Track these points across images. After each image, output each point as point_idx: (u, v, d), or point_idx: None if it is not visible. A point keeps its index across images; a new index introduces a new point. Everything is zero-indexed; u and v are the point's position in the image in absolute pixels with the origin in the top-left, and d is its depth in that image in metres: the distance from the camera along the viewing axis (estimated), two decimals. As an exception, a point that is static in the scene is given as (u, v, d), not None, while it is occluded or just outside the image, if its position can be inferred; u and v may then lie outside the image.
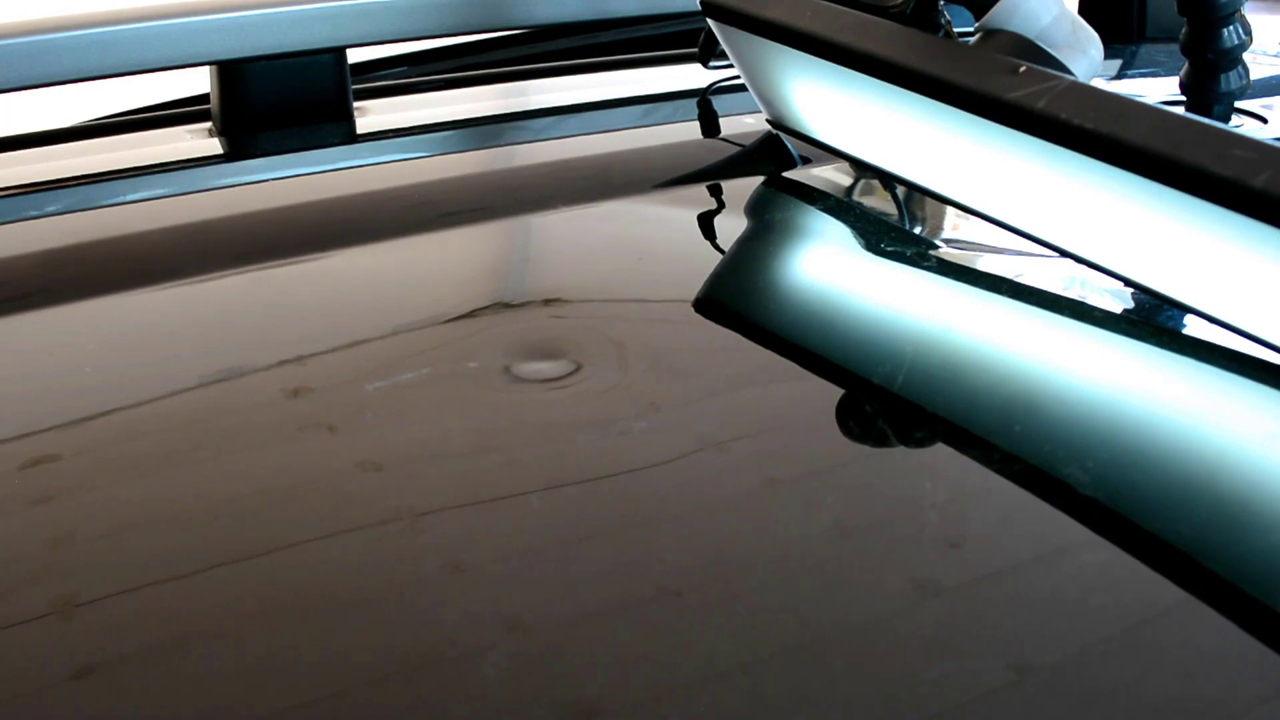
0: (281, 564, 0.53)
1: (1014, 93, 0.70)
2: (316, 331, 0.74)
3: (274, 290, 0.82)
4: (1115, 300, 0.75)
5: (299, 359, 0.70)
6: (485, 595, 0.50)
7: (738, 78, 1.10)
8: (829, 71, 0.83)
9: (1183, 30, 0.85)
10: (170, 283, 0.82)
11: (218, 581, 0.50)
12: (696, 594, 0.50)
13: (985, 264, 0.83)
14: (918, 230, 0.92)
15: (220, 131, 1.11)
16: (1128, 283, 0.73)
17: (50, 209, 0.95)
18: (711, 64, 1.14)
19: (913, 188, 0.86)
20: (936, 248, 0.88)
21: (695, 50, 1.15)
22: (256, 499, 0.57)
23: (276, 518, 0.56)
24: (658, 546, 0.54)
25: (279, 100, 1.12)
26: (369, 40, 1.16)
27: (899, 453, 0.64)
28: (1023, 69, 0.71)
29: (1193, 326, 0.71)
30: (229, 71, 1.11)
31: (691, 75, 1.18)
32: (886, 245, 0.86)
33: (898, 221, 0.92)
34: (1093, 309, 0.75)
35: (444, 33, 1.18)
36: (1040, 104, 0.68)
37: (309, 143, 1.08)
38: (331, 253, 0.87)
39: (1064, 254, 0.75)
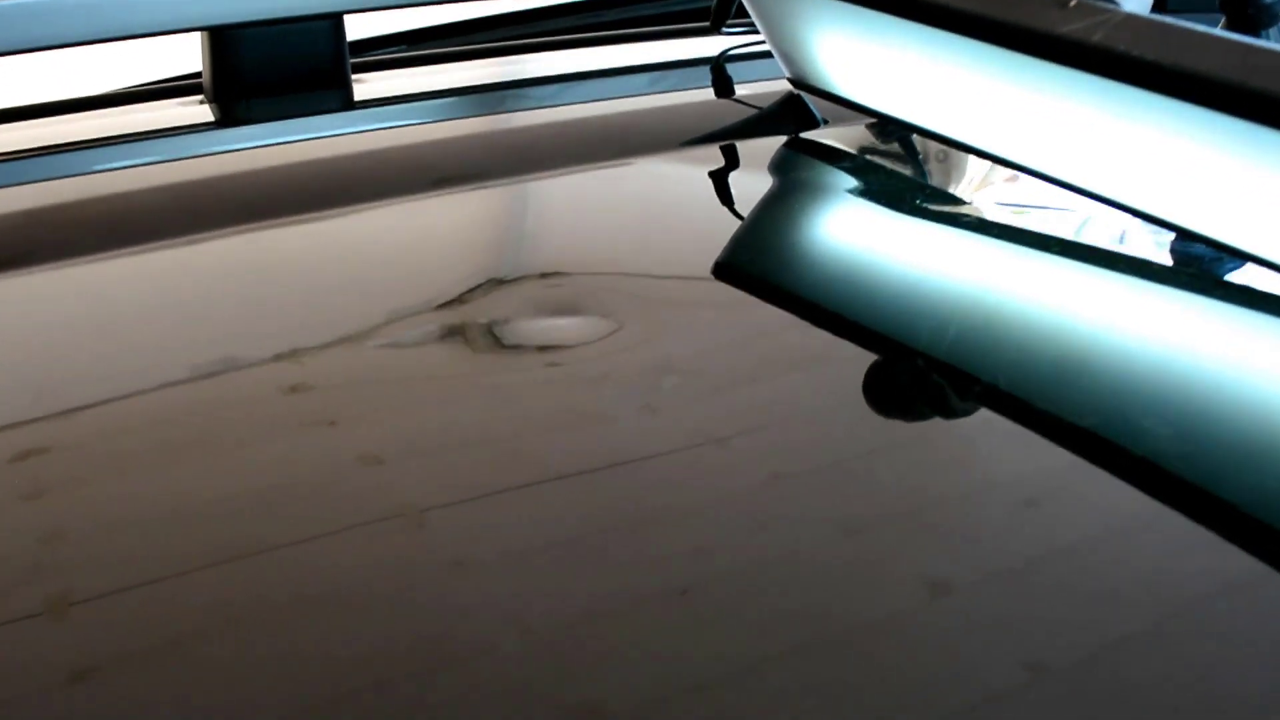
0: (283, 558, 0.50)
1: (1066, 26, 0.65)
2: (313, 307, 0.70)
3: (271, 260, 0.78)
4: (1183, 259, 0.71)
5: (296, 342, 0.66)
6: (490, 592, 0.47)
7: (752, 44, 1.06)
8: (860, 18, 0.78)
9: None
10: (156, 251, 0.77)
11: (216, 577, 0.48)
12: (729, 588, 0.47)
13: (1033, 223, 0.78)
14: (956, 189, 0.87)
15: (212, 100, 1.06)
16: (1198, 238, 0.67)
17: (30, 176, 0.90)
18: (725, 29, 1.09)
19: (950, 143, 0.81)
20: (977, 208, 0.83)
21: (705, 24, 1.11)
22: (253, 486, 0.55)
23: (273, 506, 0.53)
24: (686, 536, 0.50)
25: (273, 69, 1.07)
26: (368, 5, 1.10)
27: (942, 428, 0.60)
28: (1073, 2, 0.66)
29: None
30: (220, 38, 1.06)
31: (703, 47, 1.13)
32: (922, 205, 0.82)
33: (933, 180, 0.88)
34: (1156, 268, 0.70)
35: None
36: (1097, 36, 0.63)
37: (305, 109, 1.02)
38: (335, 219, 0.82)
39: (1124, 209, 0.70)
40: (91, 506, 0.53)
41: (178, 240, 0.79)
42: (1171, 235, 0.69)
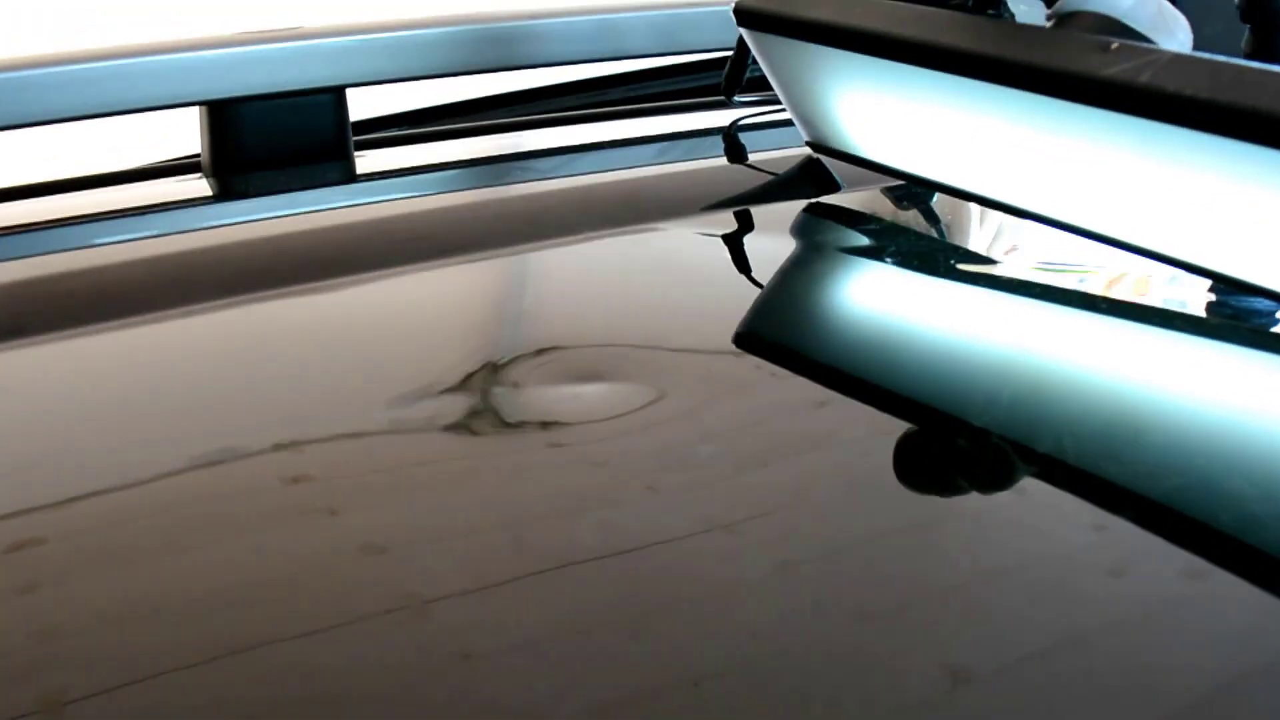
0: (284, 651, 0.47)
1: (1111, 69, 0.61)
2: (314, 384, 0.67)
3: (270, 335, 0.74)
4: (1243, 315, 0.66)
5: (296, 424, 0.63)
6: (498, 685, 0.45)
7: (765, 111, 1.03)
8: (885, 73, 0.75)
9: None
10: (151, 327, 0.74)
11: (214, 672, 0.46)
12: (743, 680, 0.44)
13: (1073, 285, 0.74)
14: (987, 251, 0.83)
15: (211, 175, 1.03)
16: (1266, 293, 0.63)
17: (22, 251, 0.86)
18: (737, 98, 1.06)
19: (983, 202, 0.78)
20: (1011, 271, 0.79)
21: (717, 97, 1.08)
22: (251, 577, 0.52)
23: (273, 598, 0.51)
24: (698, 625, 0.48)
25: (274, 144, 1.04)
26: (370, 79, 1.07)
27: (967, 505, 0.56)
28: (1115, 45, 0.63)
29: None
30: (220, 113, 1.03)
31: (714, 119, 1.10)
32: (951, 269, 0.78)
33: (963, 243, 0.84)
34: (1212, 327, 0.66)
35: (450, 71, 1.10)
36: (1144, 78, 0.60)
37: (307, 182, 0.99)
38: (339, 292, 0.78)
39: (1179, 265, 0.66)
40: (82, 600, 0.51)
41: (173, 315, 0.75)
42: (1232, 292, 0.65)
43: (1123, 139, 0.63)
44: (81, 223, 0.91)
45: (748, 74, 1.06)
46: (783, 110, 1.05)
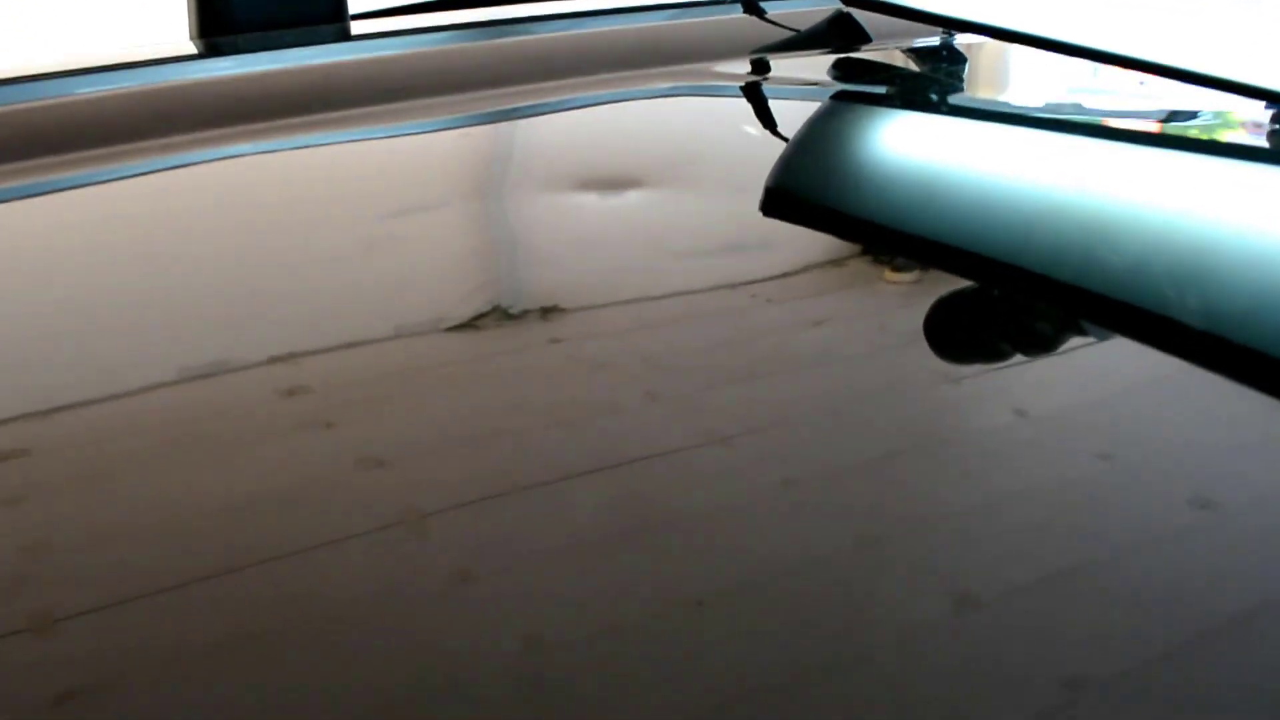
0: (280, 567, 0.44)
1: None
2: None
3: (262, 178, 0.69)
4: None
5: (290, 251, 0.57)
6: (498, 603, 0.42)
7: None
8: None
9: None
10: (130, 172, 0.69)
11: (210, 588, 0.43)
12: (745, 600, 0.41)
13: (1157, 147, 0.68)
14: (1050, 98, 0.77)
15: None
16: None
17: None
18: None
19: (1043, 44, 0.71)
20: (1081, 113, 0.74)
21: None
22: (248, 491, 0.48)
23: (269, 512, 0.46)
24: (700, 542, 0.44)
25: (264, 14, 0.97)
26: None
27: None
28: None
29: None
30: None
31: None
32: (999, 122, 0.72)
33: (1017, 88, 0.78)
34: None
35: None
36: None
37: (300, 41, 0.93)
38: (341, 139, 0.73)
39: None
40: (75, 514, 0.47)
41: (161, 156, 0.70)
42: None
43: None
44: (58, 77, 0.85)
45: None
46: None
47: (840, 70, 0.81)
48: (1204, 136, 0.69)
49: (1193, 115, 0.70)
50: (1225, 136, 0.69)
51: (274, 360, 0.54)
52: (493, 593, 0.41)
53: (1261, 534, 0.42)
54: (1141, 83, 0.67)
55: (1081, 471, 0.45)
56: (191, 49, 0.95)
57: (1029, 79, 0.80)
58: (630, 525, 0.44)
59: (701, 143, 0.73)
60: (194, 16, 0.97)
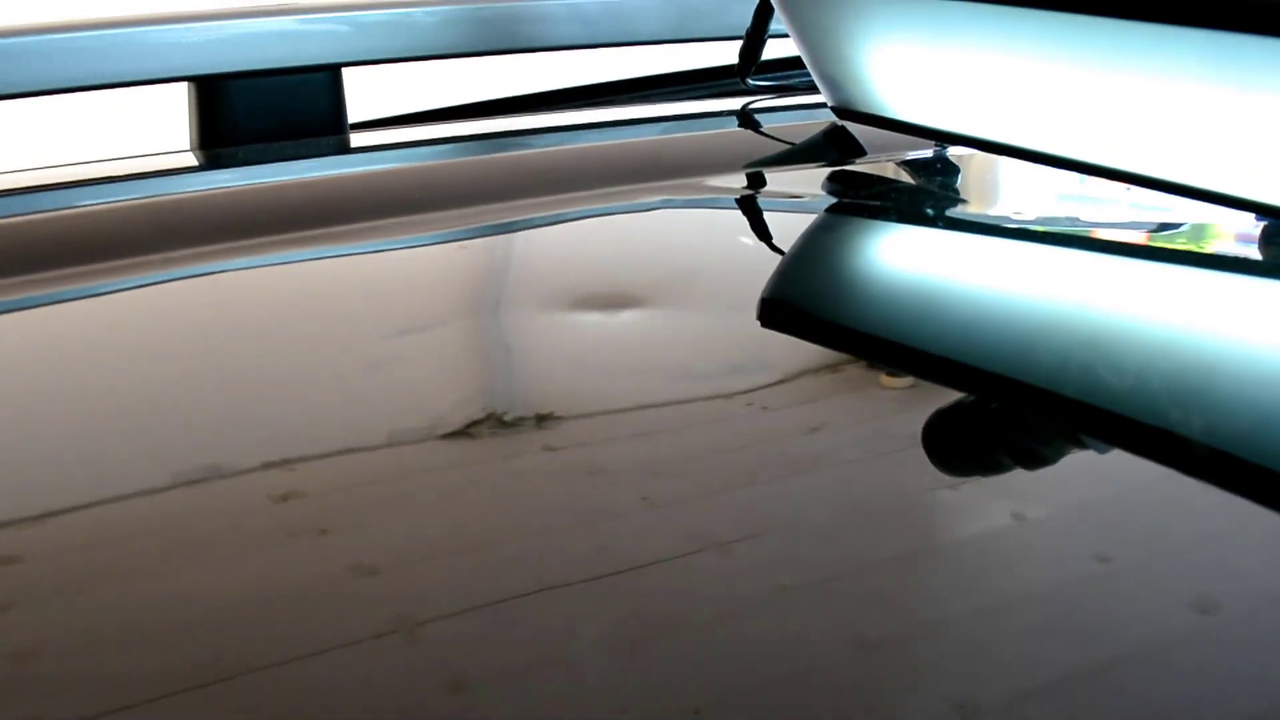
0: (273, 677, 0.43)
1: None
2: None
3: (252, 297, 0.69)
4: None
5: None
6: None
7: (783, 91, 0.98)
8: (927, 13, 0.70)
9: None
10: (132, 288, 0.68)
11: (199, 700, 0.41)
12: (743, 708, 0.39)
13: (1159, 260, 0.69)
14: (1044, 210, 0.78)
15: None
16: None
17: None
18: (752, 80, 1.01)
19: (1033, 157, 0.72)
20: (1076, 227, 0.74)
21: (730, 80, 1.03)
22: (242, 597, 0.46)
23: (262, 620, 0.45)
24: (696, 651, 0.42)
25: (265, 123, 0.98)
26: (366, 59, 1.02)
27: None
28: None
29: None
30: (209, 88, 0.98)
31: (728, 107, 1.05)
32: (1001, 239, 0.72)
33: (1003, 206, 0.79)
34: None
35: (450, 52, 1.05)
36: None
37: (298, 153, 0.94)
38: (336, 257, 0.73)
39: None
40: (64, 621, 0.45)
41: (154, 276, 0.69)
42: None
43: (1221, 65, 0.57)
44: (59, 189, 0.85)
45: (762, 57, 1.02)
46: (800, 94, 1.00)
47: (835, 183, 0.82)
48: (1195, 249, 0.69)
49: (1179, 226, 0.70)
50: (1214, 248, 0.69)
51: (268, 466, 0.53)
52: (486, 702, 0.40)
53: (1267, 637, 0.42)
54: (1127, 189, 0.67)
55: (1081, 574, 0.45)
56: (192, 160, 0.95)
57: (1020, 190, 0.80)
58: (626, 632, 0.43)
59: (697, 255, 0.74)
60: (195, 127, 0.98)
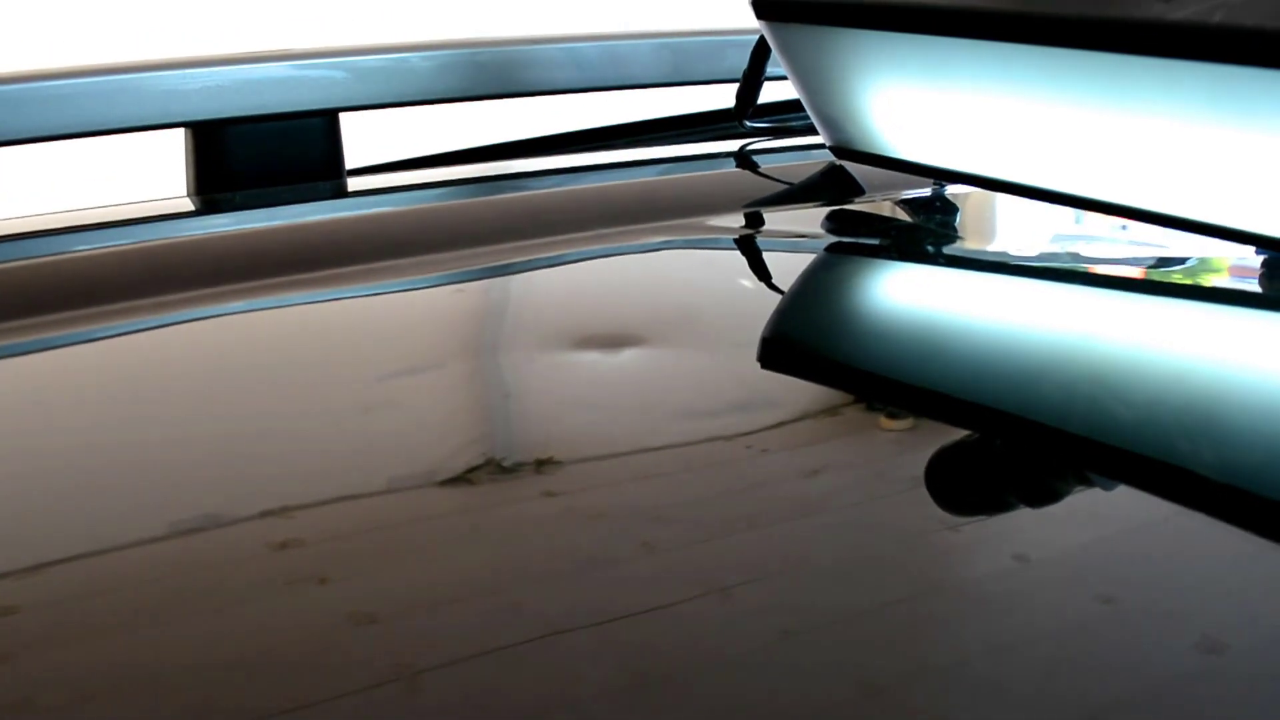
0: None
1: (1178, 14, 0.56)
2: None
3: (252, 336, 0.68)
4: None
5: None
6: None
7: (780, 133, 0.98)
8: (924, 52, 0.70)
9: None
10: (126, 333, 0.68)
11: None
12: None
13: (1164, 299, 0.68)
14: (1044, 247, 0.78)
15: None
16: None
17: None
18: (750, 122, 1.01)
19: (1031, 193, 0.72)
20: (1078, 264, 0.74)
21: (728, 124, 1.04)
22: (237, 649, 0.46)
23: (260, 670, 0.45)
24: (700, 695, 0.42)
25: (262, 168, 0.98)
26: (363, 104, 1.02)
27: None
28: (1179, -7, 0.57)
29: None
30: (206, 134, 0.98)
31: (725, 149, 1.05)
32: (1001, 275, 0.72)
33: (1002, 243, 0.78)
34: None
35: (448, 96, 1.05)
36: (1216, 18, 0.54)
37: (296, 198, 0.93)
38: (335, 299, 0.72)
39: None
40: (60, 672, 0.44)
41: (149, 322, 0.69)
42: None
43: (1201, 98, 0.57)
44: (57, 234, 0.85)
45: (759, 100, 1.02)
46: (797, 134, 1.00)
47: (834, 222, 0.81)
48: (1197, 283, 0.69)
49: (1180, 261, 0.70)
50: (1216, 282, 0.69)
51: (266, 514, 0.53)
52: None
53: (1273, 677, 0.41)
54: (1124, 227, 0.67)
55: (1085, 615, 0.44)
56: (189, 205, 0.95)
57: (1019, 227, 0.80)
58: (628, 678, 0.43)
59: (697, 296, 0.73)
60: (191, 172, 0.98)
